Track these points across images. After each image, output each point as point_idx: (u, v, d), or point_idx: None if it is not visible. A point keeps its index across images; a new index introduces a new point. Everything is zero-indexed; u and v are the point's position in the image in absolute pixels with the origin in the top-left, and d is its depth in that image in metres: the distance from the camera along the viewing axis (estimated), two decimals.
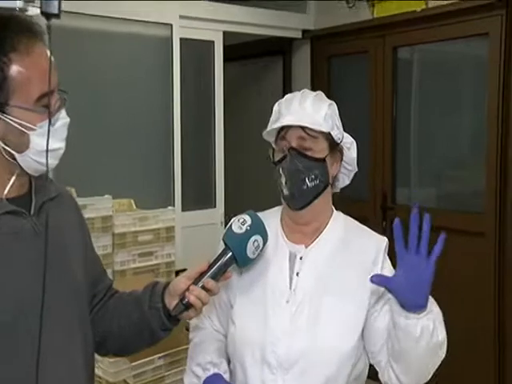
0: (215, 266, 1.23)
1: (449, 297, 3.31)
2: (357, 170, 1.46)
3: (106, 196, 2.67)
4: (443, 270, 3.25)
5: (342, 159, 1.41)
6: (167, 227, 2.85)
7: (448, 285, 3.29)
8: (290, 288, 1.33)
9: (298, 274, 1.34)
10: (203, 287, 1.20)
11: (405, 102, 3.65)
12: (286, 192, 1.35)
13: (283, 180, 1.35)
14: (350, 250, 1.37)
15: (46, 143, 1.05)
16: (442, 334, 1.25)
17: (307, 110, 1.34)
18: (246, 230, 1.25)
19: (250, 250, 1.25)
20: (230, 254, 1.24)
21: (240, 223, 1.26)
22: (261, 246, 1.27)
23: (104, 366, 2.27)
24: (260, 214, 1.36)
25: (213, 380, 1.33)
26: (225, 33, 3.60)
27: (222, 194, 3.69)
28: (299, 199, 1.35)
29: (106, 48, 3.13)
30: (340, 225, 1.41)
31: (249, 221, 1.26)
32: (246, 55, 4.41)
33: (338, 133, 1.38)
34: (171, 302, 1.21)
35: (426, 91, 3.59)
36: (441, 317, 1.26)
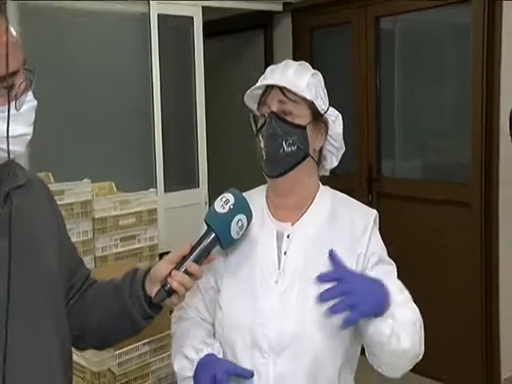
0: (198, 249, 1.18)
1: (435, 268, 3.32)
2: (344, 148, 1.41)
3: (85, 180, 2.60)
4: (429, 241, 3.31)
5: (327, 133, 1.36)
6: (149, 210, 2.80)
7: (433, 256, 3.30)
8: (279, 268, 1.30)
9: (285, 253, 1.31)
10: (186, 271, 1.16)
11: (388, 73, 3.60)
12: (263, 157, 1.32)
13: (261, 145, 1.31)
14: (338, 224, 1.33)
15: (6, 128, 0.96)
16: (404, 343, 1.19)
17: (289, 76, 1.31)
18: (229, 209, 1.20)
19: (234, 230, 1.20)
20: (213, 235, 1.19)
21: (223, 202, 1.21)
22: (245, 225, 1.23)
23: (87, 355, 2.23)
24: (245, 194, 1.32)
25: (210, 361, 1.24)
26: (204, 8, 3.50)
27: (205, 174, 3.64)
28: (276, 164, 1.31)
29: (80, 26, 3.03)
30: (327, 199, 1.37)
31: (232, 199, 1.21)
32: (227, 31, 4.30)
33: (321, 103, 1.34)
34: (152, 289, 1.17)
35: (409, 61, 3.54)
36: (408, 327, 1.21)
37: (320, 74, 1.37)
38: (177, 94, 3.56)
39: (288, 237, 1.32)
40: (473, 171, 3.11)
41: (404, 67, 3.57)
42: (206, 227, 1.21)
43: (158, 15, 3.22)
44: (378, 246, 1.34)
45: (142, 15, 3.22)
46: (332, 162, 1.43)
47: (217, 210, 1.20)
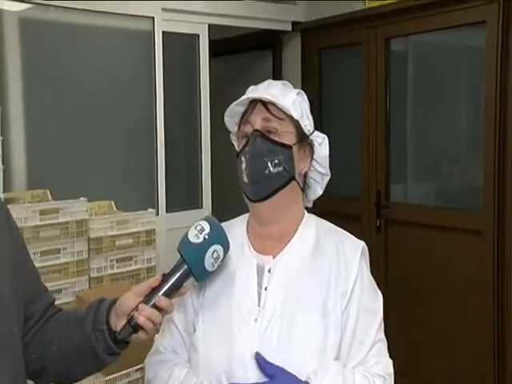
0: (169, 281, 1.08)
1: (445, 297, 3.19)
2: (329, 175, 1.32)
3: (81, 198, 2.53)
4: (441, 269, 3.19)
5: (312, 156, 1.27)
6: (147, 230, 2.71)
7: (445, 284, 3.16)
8: (259, 305, 1.18)
9: (266, 289, 1.19)
10: (154, 306, 1.06)
11: (399, 96, 3.51)
12: (245, 179, 1.21)
13: (243, 166, 1.21)
14: (323, 257, 1.22)
15: None
16: None
17: (274, 92, 1.23)
18: (204, 238, 1.09)
19: (209, 262, 1.10)
20: (186, 266, 1.09)
21: (197, 231, 1.10)
22: (221, 256, 1.12)
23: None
24: (225, 223, 1.22)
25: None
26: (210, 26, 3.45)
27: (208, 194, 3.55)
28: (260, 186, 1.21)
29: (84, 42, 2.98)
30: (311, 229, 1.26)
31: (207, 228, 1.10)
32: (234, 50, 4.25)
33: (307, 123, 1.25)
34: (118, 323, 1.07)
35: (420, 84, 3.45)
36: None
37: (304, 93, 1.29)
38: (181, 113, 3.50)
39: (269, 271, 1.21)
40: (486, 198, 2.99)
41: (415, 89, 3.48)
42: (179, 256, 1.10)
43: (163, 32, 3.17)
44: (364, 287, 1.22)
45: (147, 32, 3.17)
46: (316, 190, 1.33)
47: (190, 239, 1.10)
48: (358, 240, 1.28)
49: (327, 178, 1.32)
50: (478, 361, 3.03)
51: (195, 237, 1.10)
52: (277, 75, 4.06)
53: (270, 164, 1.19)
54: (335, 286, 1.19)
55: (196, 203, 3.51)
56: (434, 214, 3.27)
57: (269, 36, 3.98)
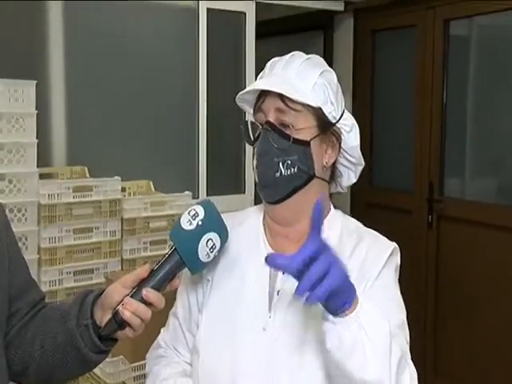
0: (159, 272, 0.96)
1: (499, 302, 2.95)
2: (363, 164, 1.15)
3: (116, 177, 2.46)
4: (492, 273, 2.95)
5: (340, 146, 1.09)
6: None
7: (499, 289, 2.93)
8: (269, 311, 1.04)
9: (278, 293, 1.05)
10: (142, 299, 0.94)
11: (458, 83, 3.27)
12: (256, 179, 1.07)
13: (254, 163, 1.06)
14: (344, 258, 1.04)
15: None
16: (370, 374, 0.89)
17: (289, 76, 1.06)
18: (197, 225, 0.97)
19: (203, 252, 0.97)
20: (178, 256, 0.97)
21: (190, 217, 0.98)
22: (217, 246, 0.99)
23: (102, 364, 2.07)
24: (240, 212, 1.10)
25: None
26: (258, 3, 3.32)
27: (252, 179, 3.44)
28: (272, 189, 1.06)
29: (129, 18, 2.91)
30: (336, 229, 1.10)
31: (201, 214, 0.98)
32: (283, 31, 4.08)
33: (332, 110, 1.07)
34: (103, 318, 0.96)
35: (483, 71, 3.19)
36: (381, 349, 0.90)
37: (333, 71, 1.11)
38: (225, 94, 3.39)
39: (283, 273, 1.04)
40: None
41: (477, 77, 3.23)
42: (172, 244, 0.99)
43: (208, 9, 3.06)
44: (391, 277, 1.06)
45: (191, 9, 3.06)
46: (350, 178, 1.16)
47: (182, 225, 0.97)
48: (390, 241, 1.11)
49: (361, 167, 1.16)
50: None
51: (188, 223, 0.97)
52: (327, 58, 3.88)
53: (281, 165, 1.04)
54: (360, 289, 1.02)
55: (239, 188, 3.40)
56: (493, 211, 3.02)
57: (320, 16, 3.80)
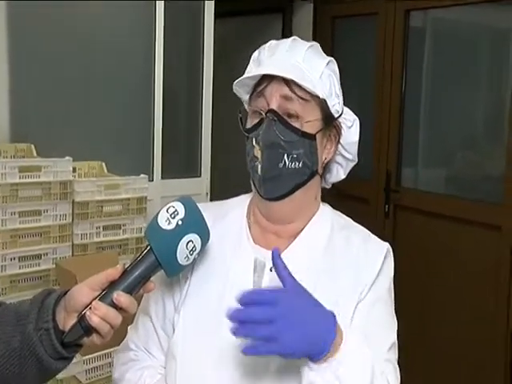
0: (132, 274, 0.86)
1: (455, 293, 2.98)
2: (356, 160, 1.09)
3: (67, 158, 2.30)
4: (450, 263, 2.98)
5: (338, 142, 1.04)
6: (138, 197, 2.49)
7: (455, 279, 2.97)
8: None
9: None
10: (112, 303, 0.84)
11: (416, 74, 3.29)
12: (258, 172, 0.98)
13: (256, 152, 0.97)
14: (335, 255, 1.00)
15: None
16: None
17: (297, 61, 0.97)
18: (177, 225, 0.88)
19: (182, 255, 0.88)
20: (153, 258, 0.87)
21: (169, 215, 0.89)
22: (198, 248, 0.90)
23: None
24: (219, 203, 1.02)
25: None
26: None
27: (208, 162, 3.33)
28: (274, 184, 0.98)
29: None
30: (325, 224, 1.04)
31: (181, 212, 0.89)
32: (240, 11, 3.98)
33: (336, 103, 1.01)
34: (67, 322, 0.86)
35: (438, 63, 3.22)
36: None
37: (335, 62, 1.05)
38: (182, 75, 3.27)
39: (271, 270, 0.97)
40: (507, 189, 2.75)
41: (434, 68, 3.26)
42: (147, 243, 0.89)
43: None
44: (384, 289, 1.01)
45: None
46: (339, 174, 1.11)
47: (160, 224, 0.88)
48: (382, 241, 1.07)
49: (353, 164, 1.10)
50: (491, 358, 2.83)
51: (166, 222, 0.88)
52: None
53: (286, 158, 0.96)
54: (352, 290, 0.97)
55: (195, 171, 3.29)
56: (448, 203, 3.05)
57: (279, 0, 3.73)
